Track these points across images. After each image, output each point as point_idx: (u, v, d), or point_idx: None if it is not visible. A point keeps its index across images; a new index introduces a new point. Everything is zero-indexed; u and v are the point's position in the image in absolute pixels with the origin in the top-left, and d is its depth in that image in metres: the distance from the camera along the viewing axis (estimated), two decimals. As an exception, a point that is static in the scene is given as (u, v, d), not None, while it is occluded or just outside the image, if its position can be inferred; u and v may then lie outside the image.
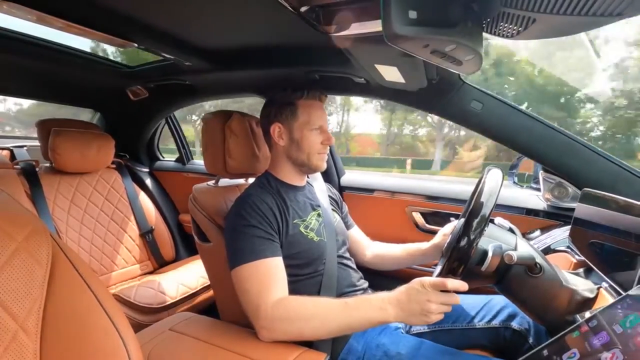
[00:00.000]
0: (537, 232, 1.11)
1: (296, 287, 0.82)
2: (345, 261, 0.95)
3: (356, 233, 1.14)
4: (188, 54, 1.11)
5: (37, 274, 0.44)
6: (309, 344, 0.74)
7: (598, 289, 0.66)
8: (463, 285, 0.63)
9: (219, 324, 0.87)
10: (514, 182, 1.32)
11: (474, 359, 0.75)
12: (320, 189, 1.06)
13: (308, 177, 1.04)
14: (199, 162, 1.97)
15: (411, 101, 1.16)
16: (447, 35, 0.57)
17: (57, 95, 1.66)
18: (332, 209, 1.03)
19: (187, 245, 1.88)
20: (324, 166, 0.96)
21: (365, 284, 0.98)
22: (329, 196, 1.07)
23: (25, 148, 1.60)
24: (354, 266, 0.99)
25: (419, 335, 0.88)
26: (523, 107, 1.05)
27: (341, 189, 1.53)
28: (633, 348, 0.40)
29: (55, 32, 0.93)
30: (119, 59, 1.43)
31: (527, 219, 1.17)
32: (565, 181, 1.06)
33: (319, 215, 0.95)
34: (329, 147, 0.96)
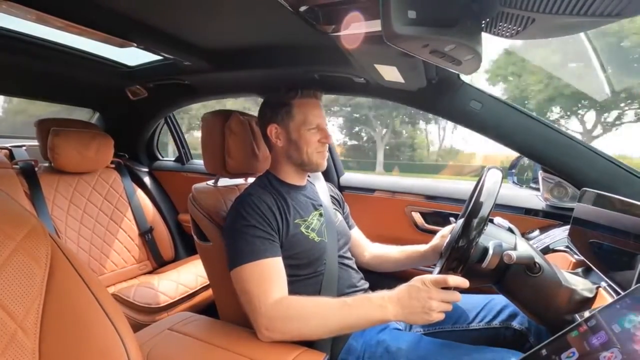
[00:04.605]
0: (537, 232, 1.11)
1: (296, 287, 0.82)
2: (346, 261, 0.95)
3: (356, 234, 1.14)
4: (187, 54, 1.11)
5: (36, 273, 0.44)
6: (309, 344, 0.74)
7: (597, 288, 0.66)
8: (464, 281, 0.63)
9: (218, 323, 0.87)
10: (514, 182, 1.32)
11: (473, 351, 0.75)
12: (322, 189, 1.05)
13: (309, 176, 1.04)
14: (198, 161, 1.97)
15: (410, 101, 1.16)
16: (446, 35, 0.57)
17: (56, 95, 1.65)
18: (334, 209, 1.03)
19: (186, 245, 1.88)
20: (325, 164, 0.95)
21: (366, 285, 0.98)
22: (331, 196, 1.07)
23: (24, 148, 1.59)
24: (355, 267, 0.99)
25: (418, 335, 0.88)
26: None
27: (340, 189, 1.53)
28: (631, 347, 0.40)
29: (54, 31, 0.93)
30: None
31: (526, 219, 1.17)
32: (565, 181, 1.06)
33: (320, 215, 0.95)
34: (327, 145, 0.96)
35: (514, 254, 0.61)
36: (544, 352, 0.47)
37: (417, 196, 1.38)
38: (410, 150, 17.17)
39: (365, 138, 17.59)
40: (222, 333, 0.80)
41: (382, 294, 0.70)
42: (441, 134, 17.73)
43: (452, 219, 1.01)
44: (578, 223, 0.80)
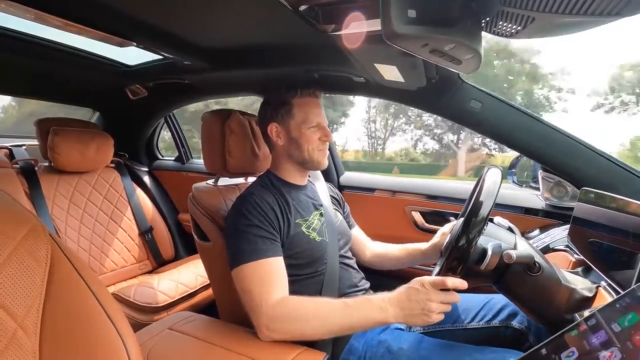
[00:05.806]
0: (536, 232, 1.11)
1: (297, 287, 0.82)
2: (347, 261, 0.95)
3: (357, 233, 1.14)
4: (187, 53, 1.11)
5: (36, 273, 0.44)
6: (310, 344, 0.74)
7: (597, 287, 0.66)
8: (463, 283, 0.63)
9: (218, 323, 0.87)
10: (513, 182, 1.32)
11: (474, 351, 0.75)
12: (322, 188, 1.05)
13: (309, 176, 1.04)
14: (198, 161, 1.97)
15: (410, 100, 1.16)
16: (446, 34, 0.57)
17: (56, 94, 1.65)
18: (334, 209, 1.03)
19: (186, 244, 1.88)
20: (326, 162, 0.96)
21: (367, 285, 0.98)
22: (331, 196, 1.07)
23: (24, 147, 1.59)
24: (356, 266, 0.99)
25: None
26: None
27: (340, 188, 1.53)
28: (631, 346, 0.40)
29: (53, 30, 0.93)
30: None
31: (526, 218, 1.17)
32: (565, 180, 1.06)
33: (321, 214, 0.95)
34: (328, 144, 0.96)
35: (513, 253, 0.61)
36: (543, 351, 0.47)
37: (417, 196, 1.38)
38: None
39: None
40: (222, 332, 0.80)
41: (383, 295, 0.70)
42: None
43: (452, 218, 1.01)
44: (578, 222, 0.80)
